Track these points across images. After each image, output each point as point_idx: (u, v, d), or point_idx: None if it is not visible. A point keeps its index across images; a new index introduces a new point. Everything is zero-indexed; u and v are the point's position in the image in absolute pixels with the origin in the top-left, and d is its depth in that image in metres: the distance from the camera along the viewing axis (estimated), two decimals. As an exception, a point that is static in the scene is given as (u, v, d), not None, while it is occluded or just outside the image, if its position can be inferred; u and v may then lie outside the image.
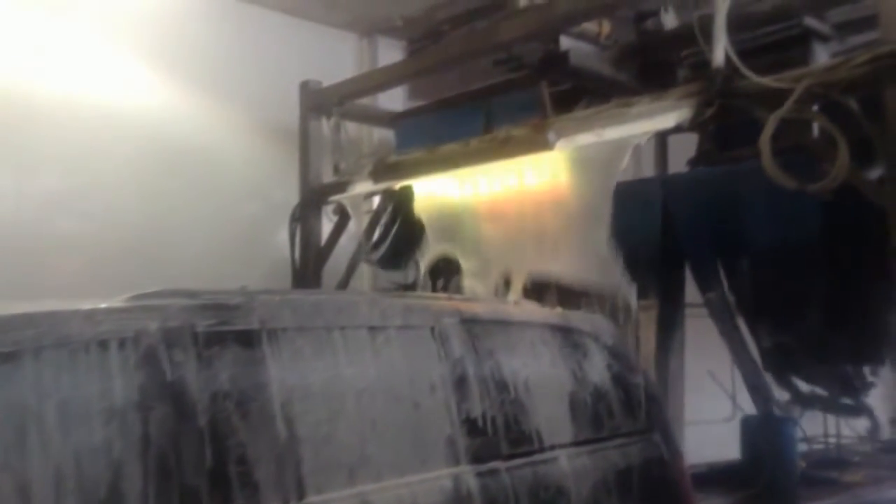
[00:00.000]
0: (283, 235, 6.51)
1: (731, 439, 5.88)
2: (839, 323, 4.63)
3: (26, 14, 5.64)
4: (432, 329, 3.09)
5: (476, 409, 3.05)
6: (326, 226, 6.46)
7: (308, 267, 6.41)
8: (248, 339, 2.56)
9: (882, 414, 5.34)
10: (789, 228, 4.58)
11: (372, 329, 2.92)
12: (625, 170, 4.74)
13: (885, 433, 5.66)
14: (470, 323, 3.24)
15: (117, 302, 2.41)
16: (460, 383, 3.05)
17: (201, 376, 2.40)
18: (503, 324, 3.42)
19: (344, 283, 6.36)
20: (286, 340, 2.65)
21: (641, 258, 5.23)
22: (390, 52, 7.46)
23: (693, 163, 5.56)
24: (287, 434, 2.53)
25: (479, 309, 3.42)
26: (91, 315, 2.26)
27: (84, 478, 2.10)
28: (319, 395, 2.67)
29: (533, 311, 3.82)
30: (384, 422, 2.80)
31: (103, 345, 2.23)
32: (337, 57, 7.28)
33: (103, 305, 2.34)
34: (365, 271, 7.07)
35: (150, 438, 2.24)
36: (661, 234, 5.26)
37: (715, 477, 5.46)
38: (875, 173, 3.78)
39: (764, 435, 5.38)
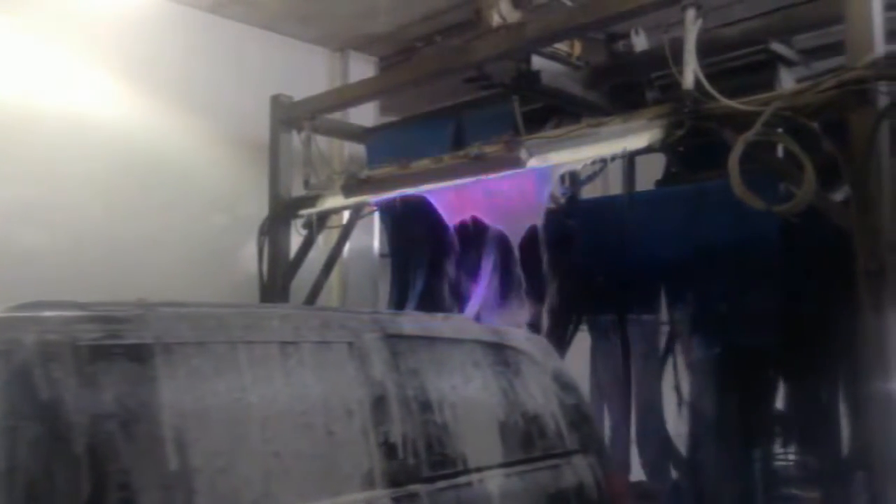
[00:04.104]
0: (252, 249, 6.42)
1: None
2: (799, 343, 4.66)
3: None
4: (350, 345, 2.90)
5: (396, 430, 2.88)
6: (296, 240, 6.40)
7: (276, 281, 6.34)
8: (138, 355, 2.33)
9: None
10: (750, 246, 4.62)
11: (283, 345, 2.70)
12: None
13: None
14: (394, 339, 3.08)
15: None
16: (379, 403, 2.88)
17: (82, 395, 2.17)
18: (430, 340, 3.27)
19: (311, 298, 6.31)
20: (183, 357, 2.42)
21: (616, 274, 5.30)
22: (362, 68, 7.46)
23: (661, 184, 5.61)
24: (179, 462, 2.28)
25: (405, 324, 3.26)
26: None
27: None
28: (219, 418, 2.42)
29: (464, 326, 3.67)
30: (292, 448, 2.56)
31: None
32: (308, 71, 7.23)
33: None
34: (334, 286, 7.02)
35: (19, 464, 2.03)
36: (632, 250, 5.29)
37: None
38: (839, 195, 3.83)
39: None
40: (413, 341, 3.18)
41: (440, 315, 3.73)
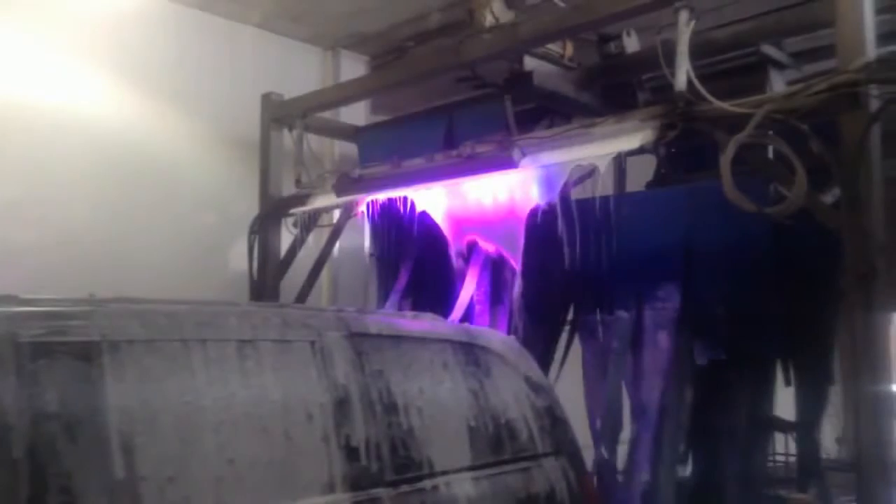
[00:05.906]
0: (242, 248, 6.40)
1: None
2: (790, 341, 4.69)
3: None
4: (313, 344, 2.81)
5: (359, 433, 2.79)
6: (286, 239, 6.38)
7: (266, 280, 6.33)
8: (84, 353, 2.21)
9: (829, 433, 5.39)
10: (740, 248, 4.64)
11: (240, 344, 2.59)
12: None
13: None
14: (358, 338, 2.98)
15: None
16: (342, 405, 2.78)
17: (22, 395, 2.06)
18: (397, 339, 3.18)
19: (302, 297, 6.30)
20: (132, 356, 2.31)
21: (607, 275, 5.31)
22: (353, 67, 7.45)
23: (651, 185, 5.63)
24: (126, 468, 2.17)
25: (370, 322, 3.16)
26: None
27: None
28: (170, 422, 2.30)
29: (432, 325, 3.57)
30: (248, 453, 2.45)
31: None
32: (299, 70, 7.22)
33: None
34: (324, 285, 7.02)
35: None
36: (622, 251, 5.30)
37: None
38: (829, 198, 3.86)
39: None
40: (379, 340, 3.08)
41: (409, 313, 3.62)
